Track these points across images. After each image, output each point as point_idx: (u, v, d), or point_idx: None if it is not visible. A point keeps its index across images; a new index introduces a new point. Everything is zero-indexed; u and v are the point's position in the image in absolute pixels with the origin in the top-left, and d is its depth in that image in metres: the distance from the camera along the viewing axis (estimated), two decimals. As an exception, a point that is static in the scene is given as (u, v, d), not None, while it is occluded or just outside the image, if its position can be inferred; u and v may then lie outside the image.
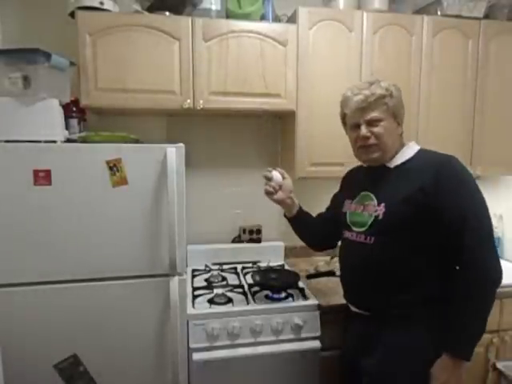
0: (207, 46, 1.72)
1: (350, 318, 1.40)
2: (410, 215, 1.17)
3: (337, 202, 1.51)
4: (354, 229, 1.32)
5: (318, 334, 1.62)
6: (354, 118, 1.28)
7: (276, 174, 1.49)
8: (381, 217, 1.23)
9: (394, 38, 1.88)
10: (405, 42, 1.89)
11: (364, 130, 1.25)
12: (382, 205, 1.24)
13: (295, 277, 1.81)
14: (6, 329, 1.42)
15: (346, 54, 1.85)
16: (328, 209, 1.61)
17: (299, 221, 1.56)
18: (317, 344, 1.61)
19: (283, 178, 1.50)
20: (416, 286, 1.21)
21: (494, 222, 2.23)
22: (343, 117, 1.35)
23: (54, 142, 1.47)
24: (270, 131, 2.18)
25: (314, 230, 1.59)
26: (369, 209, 1.28)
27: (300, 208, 1.57)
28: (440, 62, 1.93)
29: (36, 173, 1.38)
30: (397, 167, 1.27)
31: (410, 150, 1.28)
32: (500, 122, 2.02)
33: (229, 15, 1.82)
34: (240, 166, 2.17)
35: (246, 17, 1.80)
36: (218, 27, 1.72)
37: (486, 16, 2.00)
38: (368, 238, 1.26)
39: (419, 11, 2.04)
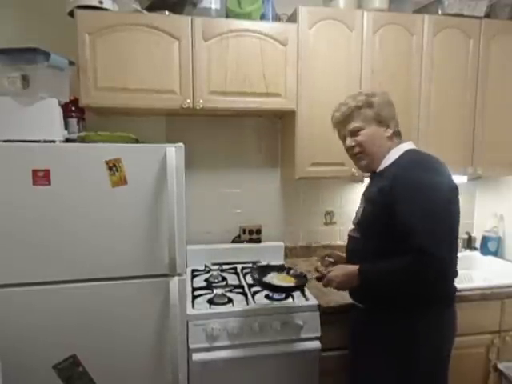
0: (207, 46, 1.72)
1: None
2: (373, 213, 1.33)
3: None
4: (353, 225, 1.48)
5: (318, 334, 1.62)
6: (339, 131, 1.45)
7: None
8: (360, 216, 1.41)
9: (394, 37, 1.87)
10: (405, 42, 1.88)
11: (348, 140, 1.40)
12: (363, 206, 1.42)
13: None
14: (5, 329, 1.41)
15: (347, 54, 1.84)
16: None
17: None
18: (317, 344, 1.60)
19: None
20: None
21: (495, 222, 2.24)
22: (337, 132, 1.48)
23: (53, 141, 1.46)
24: (270, 131, 2.17)
25: None
26: (360, 210, 1.45)
27: None
28: (440, 62, 1.93)
29: (35, 173, 1.37)
30: (381, 171, 1.36)
31: (394, 154, 1.34)
32: (500, 122, 2.02)
33: (229, 14, 1.81)
34: (240, 166, 2.17)
35: (245, 16, 1.79)
36: (218, 26, 1.72)
37: (487, 15, 2.00)
38: (356, 232, 1.43)
39: (420, 10, 2.03)
